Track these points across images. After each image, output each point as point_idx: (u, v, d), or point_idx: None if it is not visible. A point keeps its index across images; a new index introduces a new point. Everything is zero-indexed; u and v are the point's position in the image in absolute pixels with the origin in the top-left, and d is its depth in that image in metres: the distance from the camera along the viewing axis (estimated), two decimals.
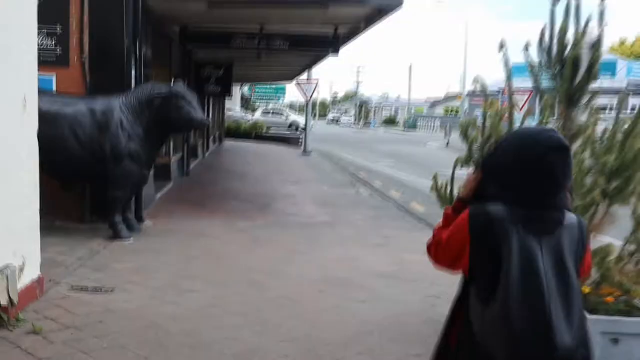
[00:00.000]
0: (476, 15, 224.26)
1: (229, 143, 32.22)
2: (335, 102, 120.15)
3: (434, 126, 66.23)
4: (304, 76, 26.99)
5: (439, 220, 2.58)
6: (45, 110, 7.63)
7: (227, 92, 16.78)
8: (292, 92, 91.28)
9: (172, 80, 11.94)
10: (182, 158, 15.37)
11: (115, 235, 7.90)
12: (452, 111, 75.39)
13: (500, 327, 2.11)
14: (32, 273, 5.42)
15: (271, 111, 51.83)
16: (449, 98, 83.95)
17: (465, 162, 5.01)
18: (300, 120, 52.23)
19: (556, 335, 2.07)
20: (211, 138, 25.38)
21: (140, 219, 8.94)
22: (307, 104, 27.35)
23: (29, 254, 5.37)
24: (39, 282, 5.56)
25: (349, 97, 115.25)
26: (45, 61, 8.37)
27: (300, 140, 31.80)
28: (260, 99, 55.84)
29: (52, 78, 8.55)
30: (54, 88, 8.54)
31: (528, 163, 2.19)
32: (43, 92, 7.94)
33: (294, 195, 13.60)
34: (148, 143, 7.97)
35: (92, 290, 5.84)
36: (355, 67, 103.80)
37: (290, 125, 48.23)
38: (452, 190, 5.10)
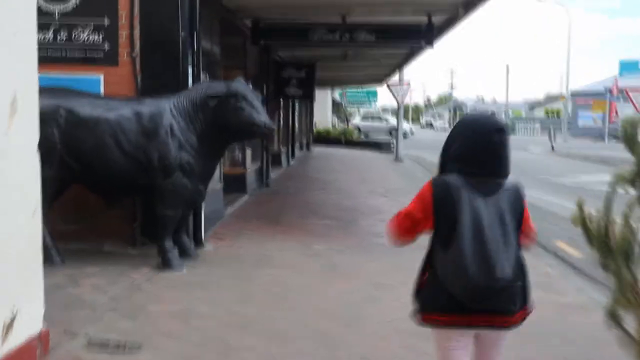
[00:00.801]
0: (579, 10, 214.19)
1: (317, 149, 31.02)
2: (428, 106, 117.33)
3: (533, 129, 62.94)
4: (395, 78, 25.41)
5: None
6: (85, 115, 6.48)
7: (309, 95, 15.40)
8: (385, 96, 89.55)
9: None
10: (261, 167, 14.12)
11: (164, 264, 6.61)
12: (553, 113, 71.64)
13: (456, 265, 2.73)
14: (30, 327, 4.14)
15: (371, 116, 50.69)
16: (549, 99, 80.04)
17: (631, 180, 3.28)
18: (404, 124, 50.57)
19: (497, 268, 2.70)
20: (297, 144, 24.18)
21: (199, 242, 7.65)
22: (399, 108, 25.67)
23: (25, 303, 4.08)
24: (41, 338, 4.26)
25: (443, 101, 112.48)
26: (91, 59, 7.32)
27: (392, 146, 30.25)
28: (352, 104, 54.51)
29: (100, 78, 7.41)
30: (102, 90, 7.39)
31: (478, 142, 2.85)
32: (82, 94, 6.80)
33: (381, 209, 12.00)
34: (203, 152, 6.64)
35: (114, 347, 4.50)
36: (448, 69, 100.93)
37: (391, 131, 46.54)
38: (607, 225, 3.34)
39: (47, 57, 7.36)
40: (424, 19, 10.10)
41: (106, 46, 7.37)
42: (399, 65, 21.11)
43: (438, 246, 2.85)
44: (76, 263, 6.71)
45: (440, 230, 2.83)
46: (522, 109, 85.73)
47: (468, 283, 2.69)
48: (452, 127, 3.06)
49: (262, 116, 6.49)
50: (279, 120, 18.12)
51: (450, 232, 2.75)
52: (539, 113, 79.17)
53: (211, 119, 6.57)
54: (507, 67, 79.35)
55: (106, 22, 7.35)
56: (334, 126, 47.40)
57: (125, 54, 7.38)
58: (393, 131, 46.06)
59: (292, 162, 21.11)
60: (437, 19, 10.38)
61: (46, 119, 6.42)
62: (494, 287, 2.70)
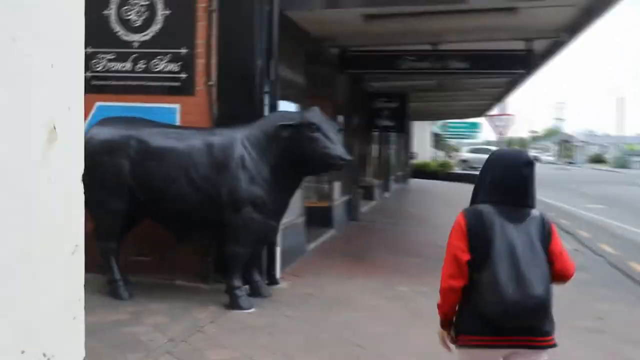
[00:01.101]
0: None
1: (414, 182, 30.29)
2: (534, 139, 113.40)
3: None
4: (496, 109, 24.44)
5: None
6: (156, 146, 6.27)
7: (401, 126, 14.85)
8: (489, 129, 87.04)
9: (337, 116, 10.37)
10: (351, 200, 13.65)
11: (232, 304, 6.24)
12: None
13: (492, 286, 2.86)
14: None
15: (478, 148, 49.15)
16: None
17: None
18: None
19: (531, 287, 2.84)
20: (392, 177, 23.60)
21: (272, 279, 7.26)
22: (500, 140, 24.56)
23: (61, 350, 3.77)
24: None
25: (549, 134, 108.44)
26: (168, 88, 7.15)
27: None
28: (453, 136, 53.32)
29: (176, 108, 7.24)
30: (177, 119, 7.22)
31: (508, 174, 3.08)
32: (154, 123, 6.63)
33: None
34: (276, 186, 6.26)
35: None
36: (555, 102, 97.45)
37: None
38: None
39: (126, 87, 7.32)
40: (522, 45, 9.39)
41: (183, 75, 7.21)
42: (500, 96, 20.18)
43: (472, 271, 2.97)
44: (143, 298, 6.47)
45: (475, 256, 2.96)
46: (636, 143, 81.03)
47: (504, 302, 2.83)
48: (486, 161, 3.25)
49: (337, 148, 6.04)
50: (371, 152, 17.67)
51: (484, 257, 2.91)
52: None
53: (284, 150, 6.20)
54: (621, 99, 75.58)
55: (184, 51, 7.19)
56: (433, 159, 46.49)
57: (202, 83, 7.18)
58: None
59: (386, 196, 20.54)
60: (537, 45, 9.65)
61: (116, 149, 6.28)
62: (528, 304, 2.83)
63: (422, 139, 41.51)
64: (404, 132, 15.03)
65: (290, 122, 6.10)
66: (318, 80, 11.18)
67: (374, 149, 18.60)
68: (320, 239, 10.64)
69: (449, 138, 55.70)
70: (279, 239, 7.44)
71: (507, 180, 3.06)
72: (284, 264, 8.11)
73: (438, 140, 58.03)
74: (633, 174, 47.55)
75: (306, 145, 6.06)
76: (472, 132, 49.88)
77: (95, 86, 7.37)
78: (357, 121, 13.35)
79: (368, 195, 16.93)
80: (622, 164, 63.10)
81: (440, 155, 52.50)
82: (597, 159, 76.13)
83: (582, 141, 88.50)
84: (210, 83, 7.13)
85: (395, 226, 13.79)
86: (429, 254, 10.16)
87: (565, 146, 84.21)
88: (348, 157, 6.05)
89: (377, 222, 14.19)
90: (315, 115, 6.19)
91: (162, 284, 7.17)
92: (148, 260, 7.36)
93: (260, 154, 6.23)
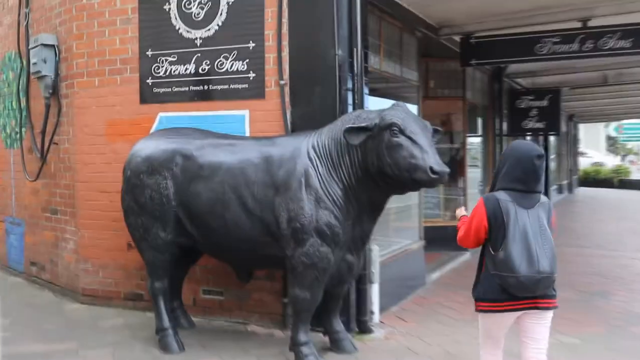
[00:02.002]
0: None
1: (582, 192, 27.00)
2: None
3: None
4: None
5: None
6: (204, 162, 5.04)
7: (553, 127, 12.54)
8: None
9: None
10: None
11: None
12: None
13: (507, 263, 3.45)
14: None
15: None
16: None
17: None
18: None
19: (539, 264, 3.45)
20: (553, 187, 20.92)
21: (363, 326, 5.72)
22: None
23: None
24: None
25: None
26: (235, 91, 5.93)
27: None
28: (630, 138, 48.13)
29: (244, 115, 5.99)
30: (246, 129, 5.95)
31: (523, 165, 3.56)
32: (205, 133, 5.37)
33: None
34: (352, 209, 4.74)
35: None
36: None
37: None
38: None
39: (189, 93, 6.21)
40: None
41: (251, 75, 5.92)
42: None
43: (490, 249, 3.57)
44: (199, 349, 5.23)
45: (493, 237, 3.55)
46: None
47: (517, 276, 3.44)
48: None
49: (427, 156, 4.38)
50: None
51: (500, 238, 3.51)
52: None
53: (360, 162, 4.67)
54: None
55: (251, 45, 5.91)
56: (602, 164, 41.95)
57: (273, 83, 5.85)
58: None
59: None
60: None
61: (158, 167, 5.10)
62: (537, 278, 3.45)
63: (594, 142, 37.55)
64: (557, 134, 12.73)
65: (363, 125, 4.55)
66: (442, 77, 9.49)
67: None
68: (448, 266, 8.88)
69: (626, 140, 50.40)
70: (377, 272, 5.90)
71: (523, 170, 3.56)
72: (390, 303, 6.56)
73: (613, 144, 52.78)
74: None
75: (386, 154, 4.48)
76: None
77: (156, 95, 6.32)
78: (498, 124, 11.39)
79: None
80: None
81: (615, 160, 47.37)
82: None
83: None
84: (282, 82, 5.79)
85: None
86: (584, 284, 8.09)
87: None
88: (442, 168, 4.37)
89: None
90: (398, 113, 4.57)
91: (231, 328, 5.93)
92: (221, 300, 6.15)
93: (331, 168, 4.75)
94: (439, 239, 8.86)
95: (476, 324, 4.23)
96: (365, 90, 5.79)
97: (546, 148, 19.49)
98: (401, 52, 7.49)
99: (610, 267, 9.41)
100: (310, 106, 5.69)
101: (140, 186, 5.16)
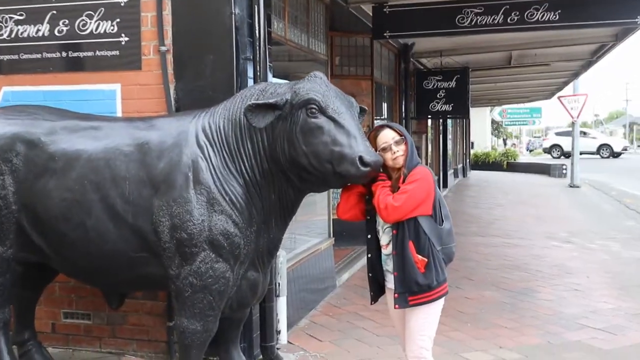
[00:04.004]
0: None
1: (475, 175, 27.22)
2: (597, 123, 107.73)
3: None
4: (565, 90, 21.38)
5: None
6: (57, 150, 3.74)
7: (462, 110, 11.90)
8: (549, 115, 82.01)
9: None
10: None
11: None
12: None
13: (450, 232, 3.42)
14: None
15: (569, 132, 43.35)
16: None
17: None
18: (615, 141, 44.24)
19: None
20: (450, 171, 20.68)
21: (269, 354, 4.64)
22: (575, 125, 21.36)
23: None
24: None
25: (614, 117, 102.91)
26: (101, 59, 4.61)
27: (565, 170, 25.76)
28: (513, 123, 49.76)
29: (115, 90, 4.69)
30: (118, 108, 4.67)
31: None
32: (62, 113, 4.09)
33: (569, 267, 8.34)
34: (256, 212, 3.62)
35: None
36: (622, 83, 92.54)
37: (600, 149, 40.58)
38: None
39: (43, 62, 4.82)
40: None
41: (123, 39, 4.64)
42: (577, 73, 17.06)
43: (433, 223, 3.37)
44: None
45: (437, 209, 3.39)
46: None
47: (455, 243, 3.50)
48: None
49: (355, 143, 3.33)
50: (424, 144, 14.79)
51: (438, 209, 3.40)
52: None
53: (268, 151, 3.56)
54: None
55: (123, 0, 4.63)
56: (493, 148, 43.03)
57: (152, 50, 4.61)
58: (603, 148, 40.17)
59: (444, 193, 17.66)
60: None
61: None
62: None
63: (482, 126, 38.24)
64: (466, 117, 12.05)
65: (270, 101, 3.43)
66: (349, 53, 8.50)
67: (428, 141, 15.72)
68: (357, 263, 7.93)
69: (508, 125, 52.24)
70: (285, 283, 4.84)
71: None
72: (298, 315, 5.54)
73: (497, 128, 54.34)
74: None
75: (301, 140, 3.39)
76: (533, 117, 46.28)
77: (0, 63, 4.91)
78: (406, 106, 10.58)
79: None
80: None
81: (500, 143, 48.74)
82: None
83: None
84: (163, 48, 4.55)
85: (457, 236, 10.96)
86: (504, 281, 7.45)
87: (634, 129, 78.82)
88: (374, 157, 3.33)
89: None
90: (317, 86, 3.47)
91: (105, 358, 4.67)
92: (88, 324, 4.87)
93: (228, 158, 3.59)
94: (347, 232, 7.94)
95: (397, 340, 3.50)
96: (270, 62, 4.65)
97: (445, 131, 19.16)
98: (308, 20, 6.40)
99: (526, 258, 8.84)
100: (200, 79, 4.48)
101: None
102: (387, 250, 3.46)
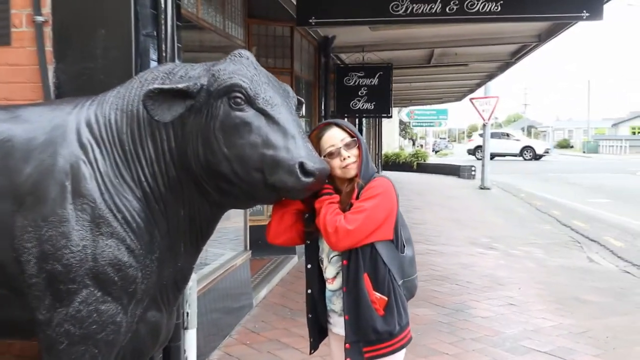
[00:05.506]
0: None
1: (387, 176, 26.92)
2: (496, 125, 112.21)
3: (621, 148, 57.09)
4: (477, 93, 21.54)
5: None
6: None
7: (384, 109, 11.28)
8: (454, 117, 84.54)
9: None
10: None
11: None
12: None
13: (412, 261, 2.69)
14: None
15: (496, 134, 43.32)
16: (635, 117, 74.03)
17: None
18: (538, 144, 45.30)
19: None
20: None
21: None
22: (485, 126, 21.48)
23: None
24: None
25: (512, 120, 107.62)
26: None
27: (474, 171, 26.02)
28: (419, 124, 50.53)
29: None
30: None
31: None
32: None
33: (499, 277, 7.87)
34: (159, 234, 2.73)
35: None
36: (520, 88, 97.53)
37: (523, 151, 41.37)
38: None
39: None
40: None
41: None
42: (491, 75, 16.98)
43: (393, 251, 2.64)
44: None
45: (399, 232, 2.68)
46: (603, 127, 79.62)
47: (417, 275, 2.77)
48: None
49: (294, 145, 2.51)
50: None
51: (399, 233, 2.69)
52: (623, 131, 73.05)
53: (177, 154, 2.67)
54: (589, 82, 74.72)
55: None
56: (401, 148, 43.35)
57: (24, 21, 3.61)
58: (526, 150, 41.07)
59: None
60: None
61: None
62: None
63: (391, 127, 38.24)
64: (389, 116, 11.43)
65: (179, 86, 2.56)
66: (268, 43, 7.67)
67: None
68: (276, 276, 7.11)
69: (416, 126, 53.18)
70: (195, 313, 3.95)
71: None
72: (211, 346, 4.66)
73: (405, 129, 55.01)
74: (611, 160, 44.98)
75: (222, 140, 2.54)
76: (440, 119, 47.18)
77: None
78: (324, 103, 9.83)
79: None
80: (591, 148, 60.64)
81: (408, 144, 49.20)
82: (564, 145, 74.47)
83: (547, 126, 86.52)
84: (40, 19, 3.56)
85: None
86: (433, 296, 6.85)
87: (532, 132, 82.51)
88: (320, 164, 2.52)
89: None
90: (243, 69, 2.63)
91: None
92: None
93: (120, 162, 2.68)
94: (263, 240, 7.08)
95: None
96: (179, 42, 3.75)
97: (360, 130, 18.65)
98: (224, 3, 5.52)
99: (454, 268, 8.32)
100: (88, 60, 3.53)
101: None
102: (333, 285, 2.69)
